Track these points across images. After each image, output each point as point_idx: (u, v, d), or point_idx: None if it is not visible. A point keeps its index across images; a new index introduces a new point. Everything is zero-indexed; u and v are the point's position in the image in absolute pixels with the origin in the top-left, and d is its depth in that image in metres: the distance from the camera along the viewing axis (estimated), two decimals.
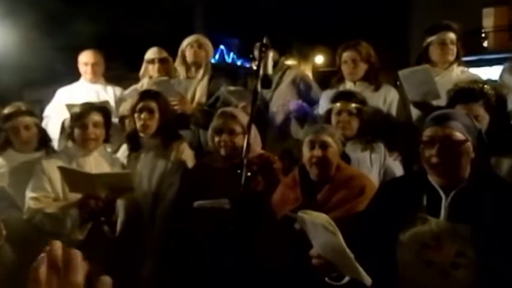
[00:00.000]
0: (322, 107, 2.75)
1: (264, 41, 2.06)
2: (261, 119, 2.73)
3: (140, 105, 2.54)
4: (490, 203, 1.48)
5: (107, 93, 3.32)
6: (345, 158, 2.16)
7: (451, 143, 1.52)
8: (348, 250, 1.42)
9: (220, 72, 3.26)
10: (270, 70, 2.04)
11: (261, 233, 2.06)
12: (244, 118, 2.33)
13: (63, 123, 2.84)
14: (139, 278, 2.37)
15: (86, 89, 3.30)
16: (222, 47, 12.14)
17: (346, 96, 2.47)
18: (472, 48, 2.67)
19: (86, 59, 3.32)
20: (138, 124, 2.53)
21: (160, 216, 2.45)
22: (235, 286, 2.06)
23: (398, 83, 2.69)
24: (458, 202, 1.52)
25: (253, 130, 2.23)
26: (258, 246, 2.04)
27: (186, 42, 3.13)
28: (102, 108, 2.50)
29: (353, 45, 2.72)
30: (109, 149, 2.66)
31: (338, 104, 2.44)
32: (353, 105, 2.41)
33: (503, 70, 2.54)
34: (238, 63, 12.92)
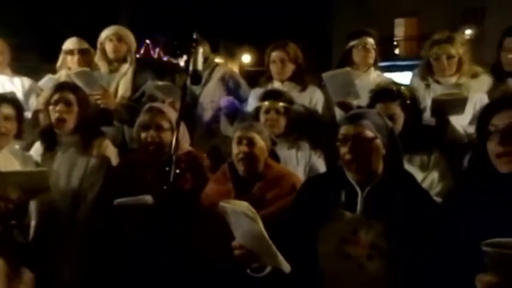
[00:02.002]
0: (251, 105, 2.79)
1: (195, 36, 2.02)
2: (190, 115, 2.69)
3: (56, 96, 2.35)
4: (400, 198, 1.60)
5: (14, 85, 3.00)
6: (275, 156, 2.20)
7: (361, 140, 1.62)
8: (267, 237, 1.46)
9: (145, 66, 3.15)
10: (200, 66, 2.02)
11: (197, 229, 2.03)
12: (172, 114, 2.27)
13: None
14: (60, 283, 2.22)
15: None
16: (147, 41, 11.79)
17: (274, 95, 2.52)
18: (385, 54, 2.89)
19: None
20: (53, 117, 2.33)
21: (82, 217, 2.31)
22: (167, 284, 2.01)
23: (322, 84, 2.81)
24: (373, 197, 1.62)
25: (182, 127, 2.19)
26: (196, 244, 2.00)
27: (104, 35, 2.98)
28: (14, 100, 2.28)
29: (281, 45, 2.79)
30: (17, 146, 2.43)
31: (266, 103, 2.49)
32: (281, 104, 2.48)
33: (413, 75, 2.77)
34: (165, 59, 12.62)
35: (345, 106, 2.52)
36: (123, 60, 2.97)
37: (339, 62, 2.91)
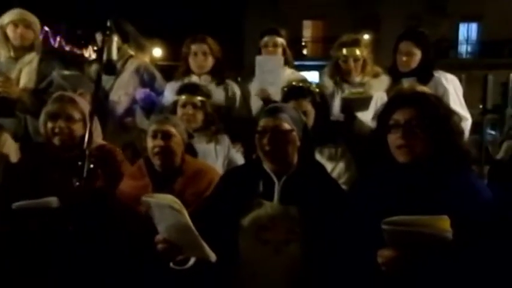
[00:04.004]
0: (167, 98, 2.74)
1: (108, 24, 1.94)
2: (101, 108, 2.56)
3: None
4: (313, 186, 1.72)
5: None
6: (192, 150, 2.19)
7: (279, 132, 1.71)
8: (193, 228, 1.48)
9: (50, 55, 2.91)
10: (114, 55, 1.94)
11: (113, 227, 1.94)
12: (84, 105, 2.15)
13: None
14: None
15: None
16: (46, 28, 10.85)
17: (191, 89, 2.50)
18: (293, 55, 3.05)
19: None
20: None
21: None
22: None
23: (239, 79, 2.86)
24: (288, 186, 1.73)
25: (94, 119, 2.07)
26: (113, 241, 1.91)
27: (7, 19, 2.70)
28: None
29: (201, 38, 2.79)
30: None
31: (183, 97, 2.46)
32: (198, 98, 2.47)
33: (323, 74, 2.95)
34: (67, 48, 11.73)
35: (264, 96, 2.61)
36: (29, 48, 2.72)
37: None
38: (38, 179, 2.04)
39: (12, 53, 2.71)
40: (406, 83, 2.65)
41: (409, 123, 1.45)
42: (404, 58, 2.77)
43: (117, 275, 1.90)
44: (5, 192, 2.08)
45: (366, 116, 2.58)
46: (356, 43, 2.72)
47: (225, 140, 2.48)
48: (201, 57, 2.76)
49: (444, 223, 1.27)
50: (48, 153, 2.12)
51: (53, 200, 1.91)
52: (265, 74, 2.64)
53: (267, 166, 1.75)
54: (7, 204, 1.95)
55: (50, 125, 2.09)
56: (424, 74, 2.74)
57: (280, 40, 2.91)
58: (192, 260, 1.58)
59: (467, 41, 20.53)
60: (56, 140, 2.08)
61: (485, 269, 1.32)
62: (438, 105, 1.50)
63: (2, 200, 2.04)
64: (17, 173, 2.14)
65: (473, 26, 20.38)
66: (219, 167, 2.34)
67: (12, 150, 2.27)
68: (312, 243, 1.64)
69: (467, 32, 20.50)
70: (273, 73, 2.63)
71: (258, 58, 2.71)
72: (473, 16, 19.51)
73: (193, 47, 2.77)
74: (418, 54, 2.76)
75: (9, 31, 2.69)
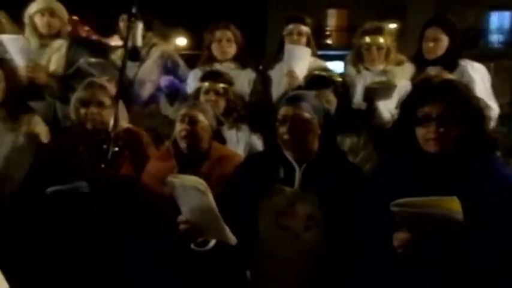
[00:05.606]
0: (190, 86, 2.77)
1: (134, 10, 1.98)
2: (126, 94, 2.62)
3: None
4: (334, 173, 1.73)
5: None
6: (221, 137, 2.22)
7: (299, 121, 1.72)
8: (216, 210, 1.50)
9: (78, 42, 2.99)
10: (139, 42, 1.98)
11: (140, 207, 2.00)
12: (113, 90, 2.20)
13: None
14: None
15: None
16: (75, 18, 11.04)
17: (214, 76, 2.53)
18: (316, 44, 3.01)
19: None
20: None
21: (8, 198, 2.17)
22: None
23: (261, 67, 2.87)
24: (309, 172, 1.74)
25: (120, 104, 2.13)
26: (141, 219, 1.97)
27: (34, 8, 2.77)
28: None
29: (224, 25, 2.80)
30: None
31: (206, 84, 2.49)
32: (220, 85, 2.49)
33: (345, 62, 2.92)
34: (94, 37, 11.89)
35: (292, 79, 2.59)
36: (56, 35, 2.80)
37: (278, 48, 2.95)
38: (68, 160, 2.11)
39: (40, 41, 2.78)
40: (432, 72, 2.61)
41: (441, 117, 1.42)
42: (430, 44, 2.72)
43: (142, 256, 1.96)
44: (36, 171, 2.16)
45: (389, 105, 2.56)
46: (379, 31, 2.68)
47: (246, 127, 2.50)
48: (225, 44, 2.78)
49: (453, 204, 1.25)
50: (77, 137, 2.20)
51: (83, 185, 1.97)
52: (293, 61, 2.63)
53: (287, 153, 1.77)
54: (38, 182, 2.04)
55: (82, 110, 2.15)
56: (450, 62, 2.68)
57: (305, 29, 2.88)
58: (213, 242, 1.61)
59: (499, 30, 19.81)
60: (89, 125, 2.15)
61: (503, 254, 1.31)
62: (469, 96, 1.47)
63: (33, 178, 2.14)
64: (47, 153, 2.21)
65: (506, 15, 19.63)
66: (240, 152, 2.36)
67: (43, 133, 2.34)
68: (332, 230, 1.65)
69: (499, 20, 19.77)
70: (301, 61, 2.62)
71: (288, 46, 2.71)
72: (505, 5, 18.79)
73: (217, 34, 2.79)
74: (445, 41, 2.70)
75: (37, 20, 2.77)
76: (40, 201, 2.03)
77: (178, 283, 1.91)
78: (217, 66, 2.79)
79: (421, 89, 1.55)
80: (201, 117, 2.05)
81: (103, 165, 1.92)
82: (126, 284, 1.99)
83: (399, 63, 2.71)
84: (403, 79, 2.61)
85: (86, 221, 1.99)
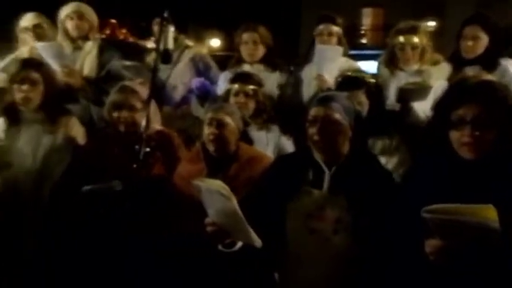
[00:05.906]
0: (220, 88, 2.80)
1: (165, 14, 2.02)
2: (158, 96, 2.67)
3: (21, 75, 2.31)
4: (364, 177, 1.69)
5: None
6: (248, 137, 2.22)
7: (330, 122, 1.69)
8: (240, 214, 1.51)
9: (111, 45, 3.08)
10: (170, 45, 2.02)
11: (171, 208, 2.03)
12: (144, 94, 2.24)
13: None
14: (22, 261, 2.19)
15: None
16: (113, 21, 11.39)
17: (243, 78, 2.54)
18: (351, 43, 2.94)
19: None
20: (18, 96, 2.31)
21: (46, 196, 2.27)
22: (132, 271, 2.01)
23: (292, 68, 2.85)
24: (338, 175, 1.71)
25: (153, 106, 2.18)
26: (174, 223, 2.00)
27: (64, 13, 2.87)
28: None
29: (253, 27, 2.81)
30: None
31: (236, 85, 2.50)
32: (250, 86, 2.50)
33: (379, 63, 2.86)
34: (131, 40, 12.22)
35: (321, 83, 2.58)
36: (86, 38, 2.88)
37: (309, 47, 2.94)
38: (103, 160, 2.17)
39: (73, 45, 2.87)
40: (470, 72, 2.50)
41: (477, 120, 1.35)
42: (469, 43, 2.61)
43: (171, 255, 1.99)
44: (73, 170, 2.24)
45: (424, 106, 2.48)
46: (414, 30, 2.60)
47: (276, 128, 2.49)
48: (252, 46, 2.79)
49: (489, 212, 1.19)
50: (111, 138, 2.26)
51: (117, 183, 2.02)
52: (323, 62, 2.61)
53: (316, 155, 1.74)
54: (74, 181, 2.11)
55: (115, 114, 2.22)
56: (489, 61, 2.57)
57: (336, 29, 2.85)
58: (239, 244, 1.62)
59: None
60: (121, 128, 2.21)
61: None
62: (508, 98, 1.39)
63: (70, 177, 2.22)
64: (84, 154, 2.29)
65: None
66: (269, 153, 2.36)
67: (80, 134, 2.43)
68: (361, 234, 1.62)
69: None
70: (332, 62, 2.59)
71: (318, 46, 2.69)
72: None
73: (244, 36, 2.80)
74: (484, 39, 2.60)
75: (67, 24, 2.86)
76: (76, 200, 2.10)
77: (206, 284, 1.93)
78: (246, 68, 2.80)
79: (456, 89, 1.49)
80: (228, 119, 2.06)
81: (135, 165, 1.96)
82: (155, 280, 2.03)
83: (435, 63, 2.62)
84: (439, 79, 2.52)
85: (119, 218, 2.04)
